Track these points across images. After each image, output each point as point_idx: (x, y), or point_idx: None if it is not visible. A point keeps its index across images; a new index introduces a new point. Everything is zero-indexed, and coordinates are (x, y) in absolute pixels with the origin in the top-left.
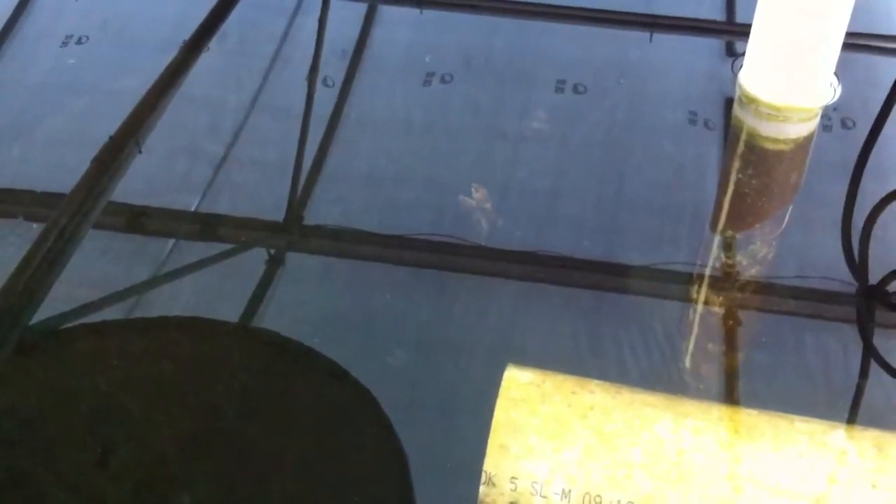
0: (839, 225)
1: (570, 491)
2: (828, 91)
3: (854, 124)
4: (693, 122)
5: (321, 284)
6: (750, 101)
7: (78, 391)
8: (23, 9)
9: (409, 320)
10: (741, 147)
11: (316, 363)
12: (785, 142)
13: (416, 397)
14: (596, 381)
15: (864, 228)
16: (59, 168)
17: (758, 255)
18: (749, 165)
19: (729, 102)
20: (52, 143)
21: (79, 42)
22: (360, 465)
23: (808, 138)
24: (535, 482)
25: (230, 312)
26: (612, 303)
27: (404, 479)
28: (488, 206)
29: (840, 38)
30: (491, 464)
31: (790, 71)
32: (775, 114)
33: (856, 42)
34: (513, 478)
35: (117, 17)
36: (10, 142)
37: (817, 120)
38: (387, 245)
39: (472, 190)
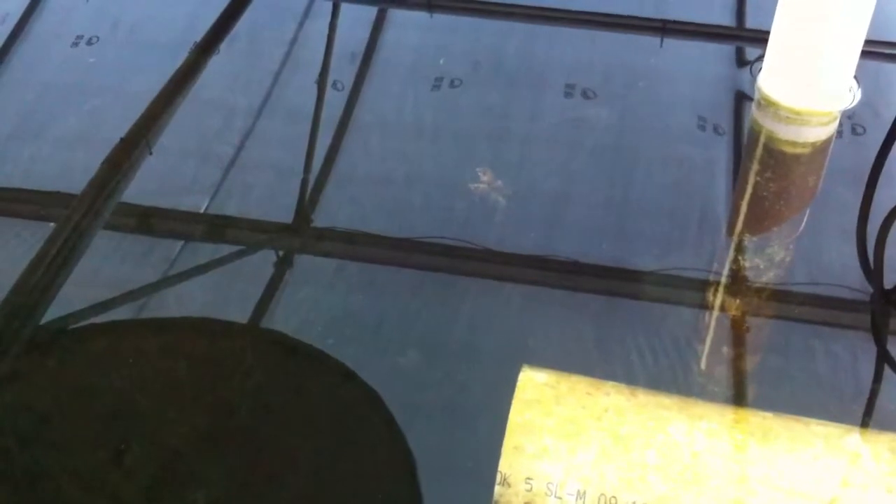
0: (853, 230)
1: (584, 492)
2: (847, 95)
3: (864, 130)
4: (702, 127)
5: (330, 286)
6: (769, 105)
7: (87, 390)
8: (33, 9)
9: (418, 323)
10: (759, 150)
11: (325, 365)
12: (803, 145)
13: (430, 399)
14: (611, 383)
15: (879, 234)
16: (70, 168)
17: (774, 260)
18: (767, 169)
19: (738, 108)
20: (62, 143)
21: (89, 43)
22: (373, 467)
23: (827, 142)
24: (550, 483)
25: (238, 314)
26: (625, 307)
27: (417, 480)
28: (499, 183)
29: (860, 42)
30: (506, 464)
31: (810, 74)
32: (794, 117)
33: (866, 49)
34: (528, 478)
35: (128, 18)
36: (22, 142)
37: (836, 124)
38: (395, 247)
39: (480, 174)
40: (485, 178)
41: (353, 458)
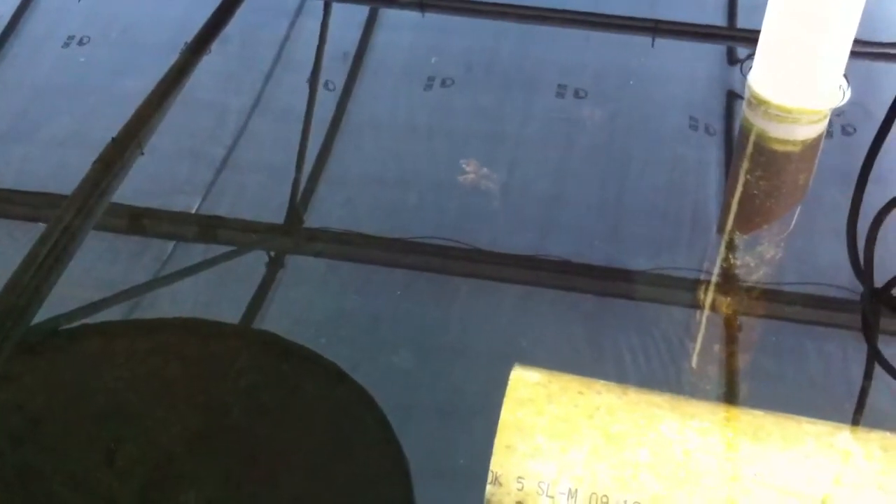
0: (843, 229)
1: (576, 491)
2: (837, 93)
3: (854, 130)
4: (694, 127)
5: (322, 286)
6: (760, 103)
7: (78, 390)
8: (24, 9)
9: (410, 323)
10: (750, 148)
11: (317, 365)
12: (794, 143)
13: (423, 398)
14: (602, 382)
15: (869, 232)
16: (61, 168)
17: (764, 258)
18: (758, 167)
19: (729, 108)
20: (53, 143)
21: (80, 43)
22: (365, 467)
23: (817, 140)
24: (542, 482)
25: (231, 314)
26: (617, 306)
27: (409, 479)
28: (485, 170)
29: (850, 41)
30: (497, 463)
31: (800, 72)
32: (785, 115)
33: (855, 49)
34: (519, 477)
35: (119, 18)
36: (13, 143)
37: (826, 122)
38: (388, 248)
39: (464, 166)
40: (469, 169)
41: (345, 458)
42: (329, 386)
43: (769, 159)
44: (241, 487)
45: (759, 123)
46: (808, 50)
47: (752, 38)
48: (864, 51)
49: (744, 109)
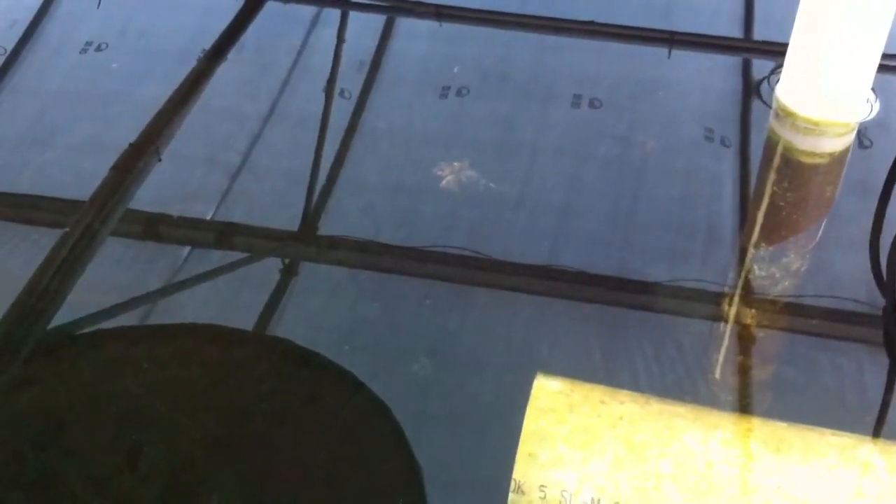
0: (866, 242)
1: (598, 500)
2: (865, 106)
3: (871, 143)
4: (710, 139)
5: (337, 295)
6: (787, 115)
7: (93, 395)
8: (42, 15)
9: (427, 331)
10: (776, 160)
11: (332, 374)
12: (821, 156)
13: (445, 407)
14: (625, 392)
15: (892, 246)
16: (79, 175)
17: (787, 270)
18: (784, 179)
19: (745, 119)
20: (71, 149)
21: (98, 49)
22: (386, 474)
23: (844, 153)
24: (564, 490)
25: (245, 321)
26: (641, 317)
27: (432, 486)
28: (457, 164)
29: (879, 54)
30: (520, 472)
31: (828, 85)
32: (812, 128)
33: (882, 62)
34: (542, 486)
35: (137, 25)
36: (31, 148)
37: (853, 135)
38: (403, 256)
39: (438, 172)
40: (445, 172)
41: (365, 466)
42: (345, 394)
43: (795, 171)
44: (256, 494)
45: (786, 136)
46: (836, 62)
47: (768, 49)
48: (891, 64)
49: (771, 121)
